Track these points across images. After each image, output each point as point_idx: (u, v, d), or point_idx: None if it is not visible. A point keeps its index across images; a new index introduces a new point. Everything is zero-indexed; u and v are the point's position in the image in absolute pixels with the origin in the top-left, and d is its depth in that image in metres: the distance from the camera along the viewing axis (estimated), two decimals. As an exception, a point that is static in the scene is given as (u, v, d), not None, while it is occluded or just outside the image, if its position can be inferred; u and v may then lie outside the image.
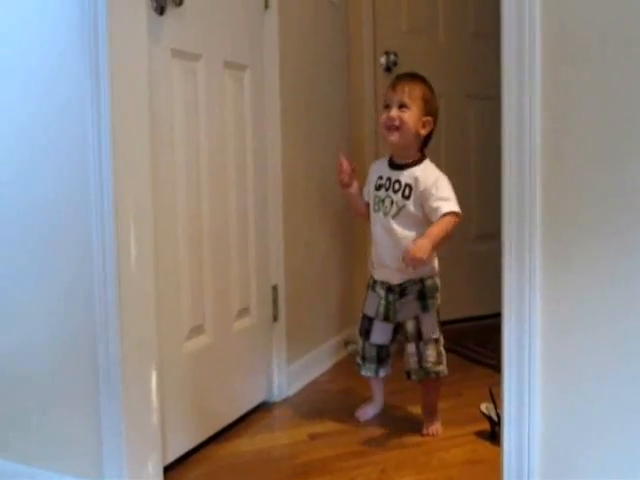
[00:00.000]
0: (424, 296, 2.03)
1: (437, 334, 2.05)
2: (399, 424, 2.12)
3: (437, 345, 2.05)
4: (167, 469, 1.81)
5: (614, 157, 1.19)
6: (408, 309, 2.05)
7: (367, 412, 2.19)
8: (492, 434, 1.98)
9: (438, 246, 1.92)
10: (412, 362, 2.05)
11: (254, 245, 2.23)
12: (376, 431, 2.11)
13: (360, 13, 2.90)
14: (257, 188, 2.24)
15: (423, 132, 2.02)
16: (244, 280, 2.18)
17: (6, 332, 1.76)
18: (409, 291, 2.04)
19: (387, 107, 2.02)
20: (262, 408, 2.29)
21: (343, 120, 2.86)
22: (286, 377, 2.38)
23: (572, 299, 1.23)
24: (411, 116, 1.99)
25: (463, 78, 3.18)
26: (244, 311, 2.19)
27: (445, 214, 1.91)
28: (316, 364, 2.61)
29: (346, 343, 2.83)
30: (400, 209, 1.99)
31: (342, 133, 2.85)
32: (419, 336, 2.03)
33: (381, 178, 2.06)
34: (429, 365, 2.03)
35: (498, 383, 1.34)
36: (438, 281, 2.07)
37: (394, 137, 2.00)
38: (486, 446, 1.96)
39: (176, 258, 1.86)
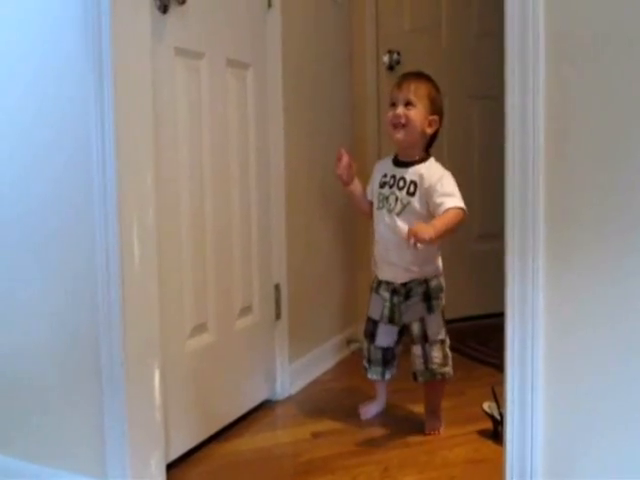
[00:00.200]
0: (429, 297, 2.03)
1: (443, 335, 2.05)
2: (401, 423, 2.13)
3: (443, 346, 2.04)
4: (170, 467, 1.81)
5: (617, 157, 1.19)
6: (413, 311, 2.04)
7: (370, 410, 2.19)
8: (495, 433, 1.98)
9: (441, 237, 1.89)
10: (418, 364, 2.04)
11: (257, 244, 2.23)
12: (378, 430, 2.11)
13: (363, 12, 2.90)
14: (260, 187, 2.24)
15: (429, 131, 2.02)
16: (247, 278, 2.18)
17: (10, 332, 1.76)
18: (414, 293, 2.03)
19: (393, 105, 2.01)
20: (265, 406, 2.30)
21: (346, 119, 2.86)
22: (288, 375, 2.39)
23: (575, 299, 1.23)
24: (417, 114, 1.98)
25: (466, 78, 3.17)
26: (247, 309, 2.19)
27: (449, 209, 1.91)
28: (319, 362, 2.61)
29: (349, 342, 2.83)
30: (405, 206, 1.99)
31: (345, 132, 2.85)
32: (425, 338, 2.03)
33: (385, 176, 2.06)
34: (435, 367, 2.03)
35: (501, 382, 1.35)
36: (443, 281, 2.07)
37: (400, 135, 2.00)
38: (489, 445, 1.96)
39: (179, 257, 1.86)
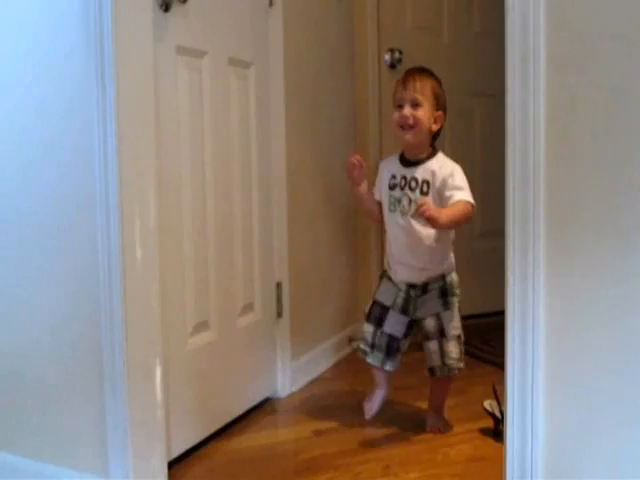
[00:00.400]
0: (445, 293, 2.02)
1: (459, 331, 2.05)
2: (403, 420, 2.13)
3: (459, 342, 2.05)
4: (171, 464, 1.82)
5: (618, 156, 1.19)
6: (429, 306, 2.03)
7: (373, 405, 2.15)
8: (496, 431, 1.98)
9: (446, 225, 1.89)
10: (435, 359, 2.04)
11: (258, 242, 2.24)
12: (380, 427, 2.11)
13: (365, 10, 2.90)
14: (262, 185, 2.24)
15: (435, 128, 2.00)
16: (248, 277, 2.19)
17: (13, 331, 1.77)
18: (431, 287, 2.02)
19: (399, 106, 1.98)
20: (266, 404, 2.30)
21: (347, 117, 2.86)
22: (290, 373, 2.39)
23: (575, 298, 1.23)
24: (424, 113, 1.96)
25: (468, 76, 3.17)
26: (248, 307, 2.20)
27: (458, 201, 1.90)
28: (320, 361, 2.62)
29: (350, 340, 2.83)
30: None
31: (346, 130, 2.85)
32: (442, 333, 2.02)
33: (394, 177, 2.03)
34: (452, 362, 2.03)
35: (502, 380, 1.35)
36: (456, 276, 2.06)
37: (409, 136, 1.97)
38: (490, 443, 1.97)
39: (181, 255, 1.86)
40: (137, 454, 1.64)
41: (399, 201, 2.00)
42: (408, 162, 2.02)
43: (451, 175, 1.94)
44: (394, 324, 2.07)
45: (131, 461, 1.62)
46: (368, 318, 2.12)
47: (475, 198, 1.95)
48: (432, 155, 2.01)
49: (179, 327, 1.87)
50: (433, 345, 2.04)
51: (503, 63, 1.29)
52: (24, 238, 1.72)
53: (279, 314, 2.36)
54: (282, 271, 2.36)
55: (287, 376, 2.38)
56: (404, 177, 2.01)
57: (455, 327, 2.04)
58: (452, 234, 2.02)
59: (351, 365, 2.67)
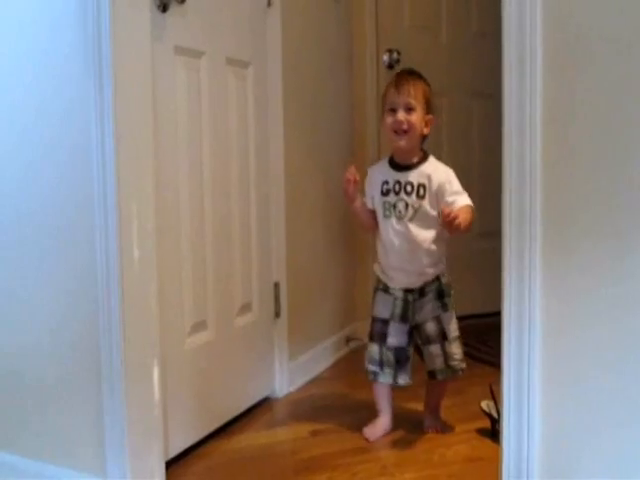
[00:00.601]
0: (442, 294, 2.01)
1: (458, 331, 2.04)
2: (400, 421, 2.13)
3: (460, 342, 2.04)
4: (169, 464, 1.82)
5: (615, 157, 1.19)
6: (428, 309, 2.01)
7: (376, 432, 2.07)
8: (493, 432, 1.99)
9: (466, 230, 1.88)
10: (438, 363, 2.02)
11: (256, 242, 2.24)
12: (377, 428, 2.11)
13: (363, 10, 2.90)
14: (259, 185, 2.24)
15: (426, 131, 1.99)
16: (246, 276, 2.19)
17: (11, 331, 1.77)
18: (428, 290, 2.01)
19: (392, 110, 1.96)
20: (264, 404, 2.30)
21: (345, 117, 2.87)
22: (288, 373, 2.39)
23: (572, 298, 1.24)
24: (417, 118, 1.95)
25: (466, 76, 3.18)
26: (246, 307, 2.20)
27: (462, 207, 1.89)
28: (318, 360, 2.62)
29: (348, 340, 2.83)
30: (416, 210, 1.94)
31: (345, 130, 2.85)
32: (443, 336, 2.01)
33: (387, 183, 2.00)
34: (455, 363, 2.02)
35: (499, 381, 1.35)
36: (449, 276, 2.05)
37: (403, 142, 1.95)
38: (487, 443, 1.97)
39: (179, 254, 1.86)
40: (134, 453, 1.64)
41: (394, 206, 1.98)
42: (400, 167, 2.00)
43: (448, 181, 1.94)
44: (397, 335, 2.03)
45: (128, 461, 1.63)
46: (371, 337, 2.06)
47: (474, 198, 1.95)
48: (424, 159, 1.99)
49: (177, 327, 1.87)
50: (435, 349, 2.02)
51: (501, 63, 1.29)
52: (22, 238, 1.72)
53: (277, 314, 2.37)
54: (280, 271, 2.36)
55: (285, 376, 2.39)
56: (398, 182, 1.98)
57: (455, 328, 2.04)
58: (446, 236, 2.01)
59: (349, 365, 2.67)
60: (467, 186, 1.98)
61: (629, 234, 1.18)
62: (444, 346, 2.02)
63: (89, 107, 1.58)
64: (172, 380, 1.82)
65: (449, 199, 1.92)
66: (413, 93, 1.95)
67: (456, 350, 2.03)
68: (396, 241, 1.98)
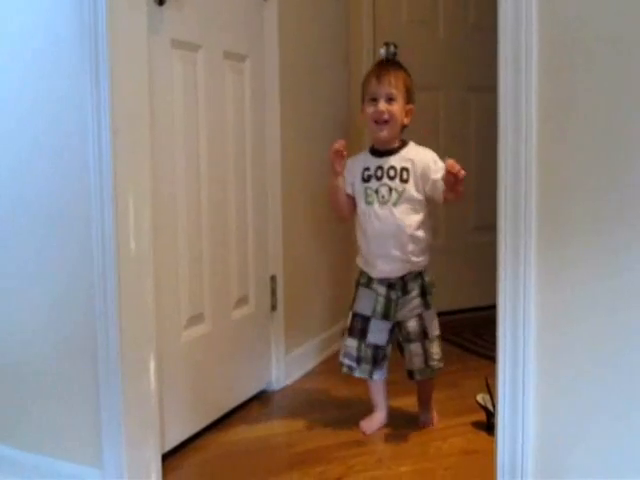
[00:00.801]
0: (425, 293, 2.01)
1: (438, 330, 2.04)
2: (395, 414, 2.13)
3: (440, 341, 2.04)
4: (165, 456, 1.83)
5: (610, 153, 1.19)
6: (411, 307, 2.00)
7: (372, 425, 2.07)
8: (488, 425, 1.99)
9: (456, 196, 1.88)
10: (417, 362, 2.01)
11: (253, 235, 2.24)
12: (373, 421, 2.12)
13: (360, 4, 2.90)
14: (256, 178, 2.25)
15: (406, 121, 1.98)
16: (243, 270, 2.19)
17: (7, 324, 1.77)
18: (411, 287, 1.99)
19: (373, 100, 1.95)
20: (260, 397, 2.31)
21: (342, 110, 2.86)
22: (284, 366, 2.40)
23: (567, 293, 1.24)
24: (398, 108, 1.94)
25: (463, 70, 3.18)
26: (243, 300, 2.20)
27: None
28: (314, 354, 2.63)
29: (344, 333, 2.83)
30: (400, 194, 1.93)
31: (341, 123, 2.85)
32: (425, 334, 2.00)
33: (368, 169, 1.99)
34: (434, 363, 2.01)
35: (494, 374, 1.35)
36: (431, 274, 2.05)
37: (384, 132, 1.95)
38: (482, 437, 1.98)
39: (175, 248, 1.87)
40: (131, 446, 1.65)
41: (376, 192, 1.96)
42: (380, 152, 1.99)
43: (433, 160, 1.94)
44: (377, 332, 2.02)
45: (125, 453, 1.63)
46: (350, 332, 2.05)
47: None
48: (404, 144, 1.99)
49: (173, 320, 1.87)
50: (416, 347, 2.01)
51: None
52: (18, 230, 1.73)
53: (273, 307, 2.37)
54: (276, 264, 2.37)
55: (281, 369, 2.39)
56: (380, 167, 1.97)
57: (436, 327, 2.03)
58: (429, 222, 2.00)
59: (345, 358, 2.68)
60: (464, 179, 1.98)
61: (623, 229, 1.18)
62: (424, 345, 2.00)
63: (85, 100, 1.58)
64: (169, 373, 1.83)
65: (437, 176, 1.90)
66: (394, 83, 1.95)
67: (436, 350, 2.02)
68: (377, 227, 1.96)
